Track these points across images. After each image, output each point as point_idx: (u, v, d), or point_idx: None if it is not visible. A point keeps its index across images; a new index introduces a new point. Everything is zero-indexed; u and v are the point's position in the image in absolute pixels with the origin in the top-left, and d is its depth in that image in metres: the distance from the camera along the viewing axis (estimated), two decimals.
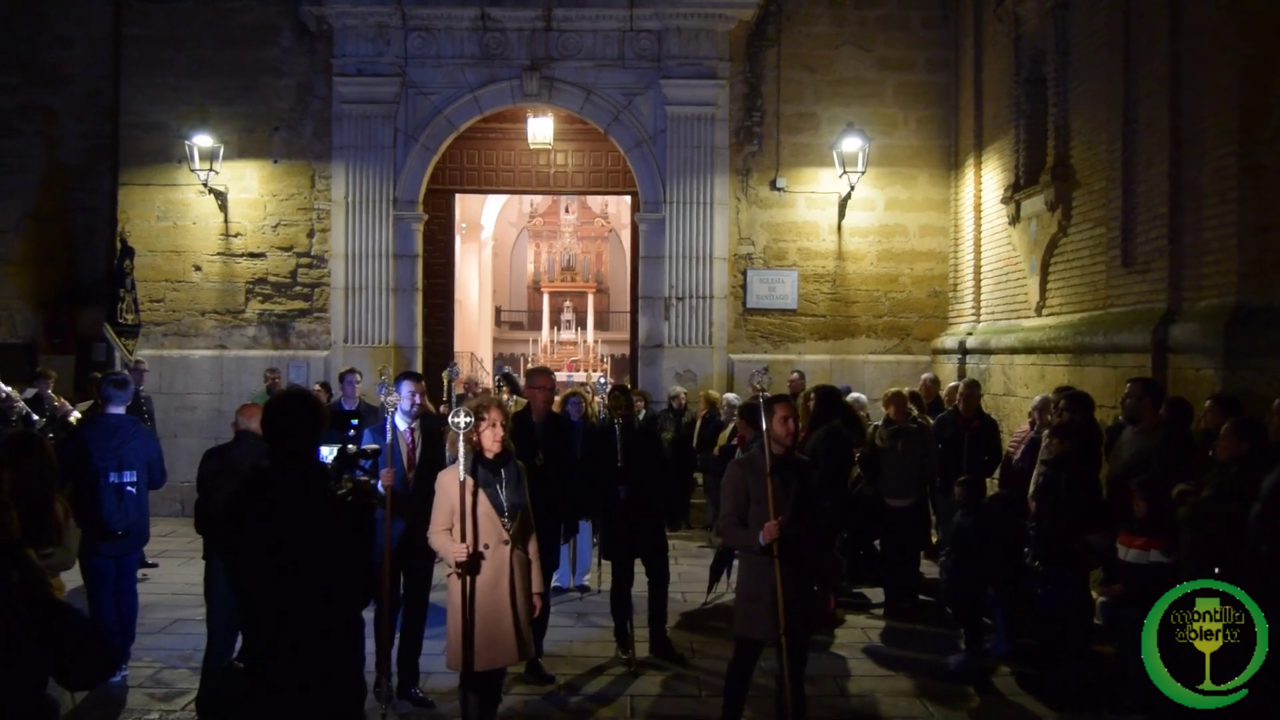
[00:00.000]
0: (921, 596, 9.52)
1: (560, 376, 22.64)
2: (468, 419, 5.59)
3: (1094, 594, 7.39)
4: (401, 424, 6.98)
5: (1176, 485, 6.43)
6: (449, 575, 5.63)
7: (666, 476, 8.36)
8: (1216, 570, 5.46)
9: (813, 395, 9.72)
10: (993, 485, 9.56)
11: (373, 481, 5.34)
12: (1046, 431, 8.08)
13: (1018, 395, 11.44)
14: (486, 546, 5.55)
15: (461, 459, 5.53)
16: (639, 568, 8.08)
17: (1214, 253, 8.24)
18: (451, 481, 5.60)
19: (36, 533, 5.25)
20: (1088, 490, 7.22)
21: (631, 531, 7.84)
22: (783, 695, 5.88)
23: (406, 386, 7.06)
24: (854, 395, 11.17)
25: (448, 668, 5.87)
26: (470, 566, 5.50)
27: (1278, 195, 7.91)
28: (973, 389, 10.25)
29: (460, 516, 5.51)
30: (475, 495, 5.56)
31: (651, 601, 8.05)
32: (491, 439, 5.68)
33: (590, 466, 7.99)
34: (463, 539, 5.48)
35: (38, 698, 3.93)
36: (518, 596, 5.67)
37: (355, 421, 9.12)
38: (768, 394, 6.01)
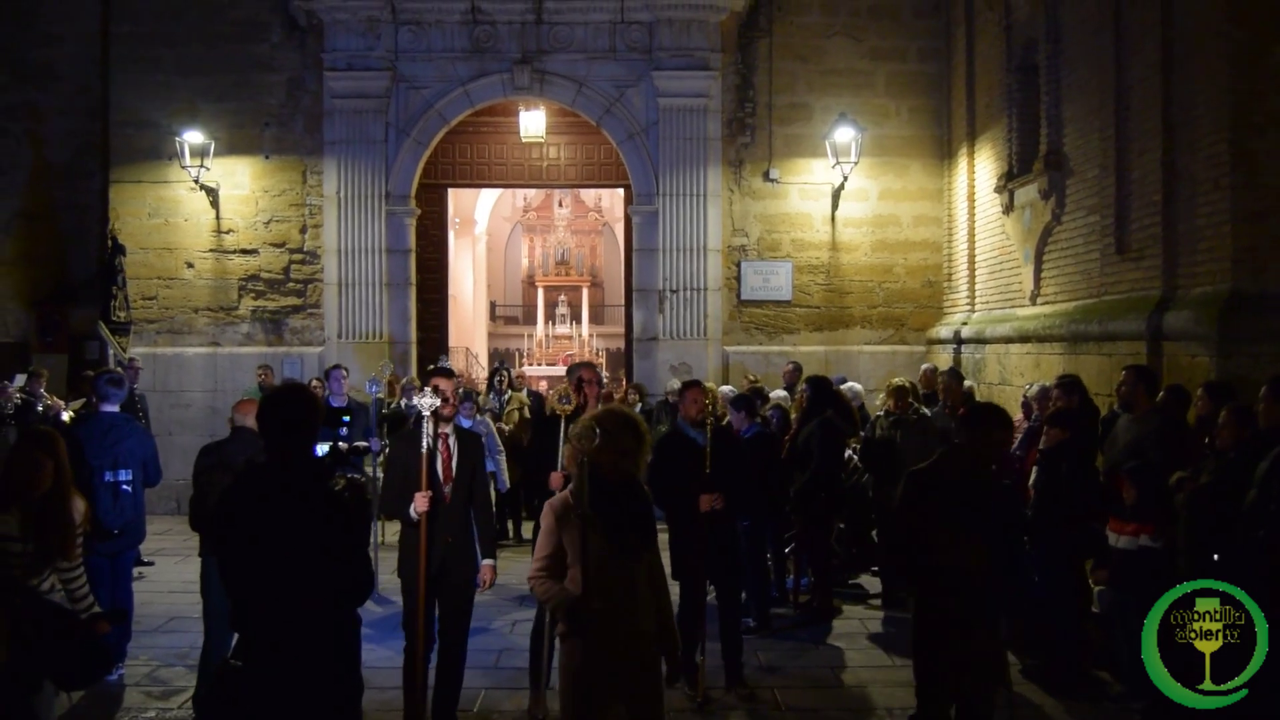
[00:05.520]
0: None
1: (555, 370, 22.62)
2: (594, 433, 4.46)
3: (1090, 582, 7.39)
4: (447, 428, 6.12)
5: (1174, 473, 6.42)
6: (561, 635, 4.54)
7: (752, 486, 7.49)
8: (1215, 557, 5.45)
9: (804, 387, 9.69)
10: None
11: (360, 478, 5.12)
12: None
13: (1013, 384, 11.43)
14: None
15: (583, 486, 4.45)
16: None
17: (1207, 239, 8.23)
18: (565, 511, 4.51)
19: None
20: (1089, 479, 7.18)
21: (708, 548, 6.89)
22: None
23: (444, 385, 6.05)
24: (849, 385, 11.15)
25: None
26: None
27: (1270, 181, 7.89)
28: (952, 377, 10.23)
29: (581, 560, 4.40)
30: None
31: (724, 627, 7.11)
32: (614, 464, 4.52)
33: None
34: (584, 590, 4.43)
35: (33, 697, 3.91)
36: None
37: (347, 419, 9.13)
38: (1031, 390, 5.30)
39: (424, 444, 5.84)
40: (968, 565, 4.74)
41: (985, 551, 4.77)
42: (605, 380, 14.41)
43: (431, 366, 9.22)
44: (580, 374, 6.96)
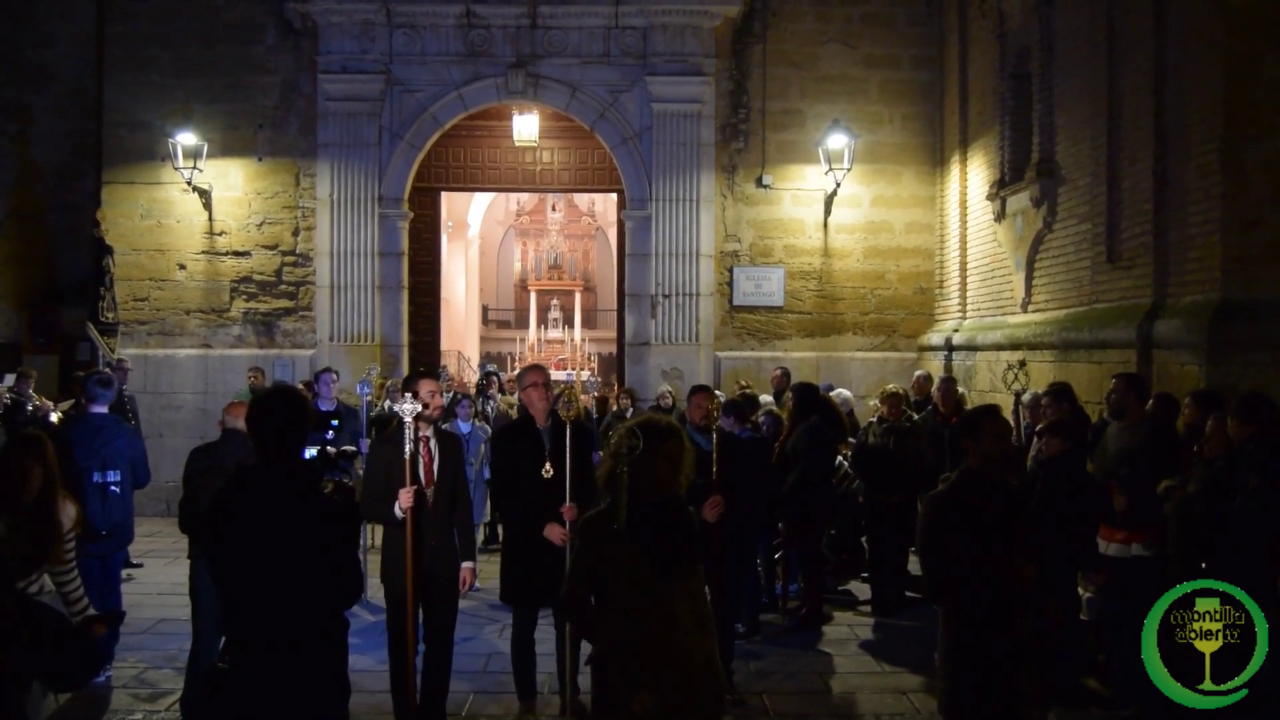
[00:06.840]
0: (908, 593, 9.53)
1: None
2: (635, 445, 4.08)
3: (1079, 590, 7.40)
4: (428, 431, 6.09)
5: (1162, 481, 6.44)
6: (591, 659, 4.24)
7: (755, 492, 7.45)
8: (1203, 565, 5.47)
9: (790, 393, 9.71)
10: None
11: (349, 482, 5.09)
12: (1039, 427, 7.99)
13: (1004, 392, 11.44)
14: None
15: (620, 503, 4.11)
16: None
17: (1198, 248, 8.25)
18: (599, 530, 4.16)
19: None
20: (1091, 488, 7.11)
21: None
22: None
23: (424, 388, 6.06)
24: (839, 392, 11.16)
25: None
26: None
27: (1261, 191, 7.92)
28: (947, 385, 10.25)
29: (614, 586, 4.07)
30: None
31: (718, 628, 7.13)
32: (655, 481, 4.18)
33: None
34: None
35: (23, 698, 3.90)
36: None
37: (336, 423, 9.12)
38: (1024, 397, 5.04)
39: (406, 449, 5.76)
40: (1005, 584, 4.53)
41: (1024, 567, 4.52)
42: (596, 383, 14.43)
43: (422, 368, 9.17)
44: (528, 378, 6.72)
